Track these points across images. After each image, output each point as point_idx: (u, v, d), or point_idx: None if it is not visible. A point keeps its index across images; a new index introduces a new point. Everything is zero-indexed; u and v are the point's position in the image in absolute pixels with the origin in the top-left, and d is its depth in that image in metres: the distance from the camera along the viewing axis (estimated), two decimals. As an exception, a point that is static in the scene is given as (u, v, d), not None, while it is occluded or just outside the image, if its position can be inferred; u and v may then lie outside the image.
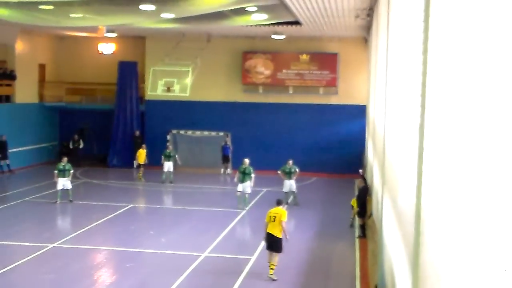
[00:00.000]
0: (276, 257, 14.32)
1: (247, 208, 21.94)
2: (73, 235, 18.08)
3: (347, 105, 31.44)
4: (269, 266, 14.34)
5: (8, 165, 30.34)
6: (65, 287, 13.49)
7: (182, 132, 32.35)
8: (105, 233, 18.99)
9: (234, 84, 32.40)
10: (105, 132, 33.91)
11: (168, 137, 32.17)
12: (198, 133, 32.12)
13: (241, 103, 32.36)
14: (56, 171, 22.99)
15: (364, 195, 18.54)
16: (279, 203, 15.15)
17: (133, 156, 32.46)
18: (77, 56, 35.38)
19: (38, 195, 24.20)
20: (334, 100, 31.74)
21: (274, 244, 14.25)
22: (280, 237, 14.25)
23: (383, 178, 12.46)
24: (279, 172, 23.70)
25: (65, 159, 23.64)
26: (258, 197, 24.92)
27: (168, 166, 28.06)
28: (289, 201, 23.05)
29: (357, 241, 18.04)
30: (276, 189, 23.16)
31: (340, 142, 31.31)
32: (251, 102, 32.30)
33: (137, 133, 33.05)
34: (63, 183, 22.80)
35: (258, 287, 13.96)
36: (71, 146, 33.38)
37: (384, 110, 13.32)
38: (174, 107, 32.62)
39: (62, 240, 17.40)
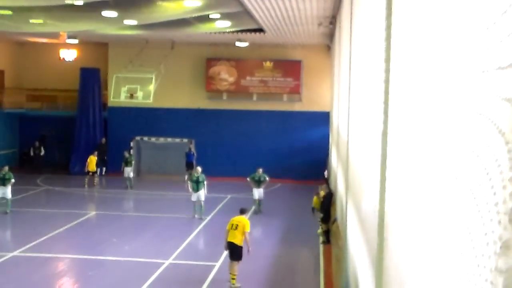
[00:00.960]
0: (236, 266, 14.23)
1: (203, 217, 21.67)
2: (33, 243, 17.74)
3: (311, 111, 31.67)
4: (231, 275, 14.22)
5: None
6: (26, 297, 13.21)
7: (145, 138, 32.11)
8: (67, 241, 18.69)
9: (198, 90, 32.33)
10: (67, 139, 33.45)
11: (132, 143, 31.89)
12: (162, 139, 31.93)
13: (205, 110, 32.32)
14: None
15: (329, 202, 18.65)
16: (242, 211, 15.06)
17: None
18: (38, 62, 34.85)
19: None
20: (298, 107, 31.95)
21: (235, 253, 14.19)
22: (241, 245, 14.19)
23: (347, 184, 12.59)
24: (248, 179, 23.66)
25: (6, 168, 22.75)
26: (222, 204, 24.89)
27: (127, 172, 27.96)
28: (259, 207, 23.22)
29: (321, 247, 18.14)
30: (241, 195, 23.16)
31: (305, 148, 31.51)
32: (215, 109, 32.28)
33: (103, 140, 32.68)
34: (2, 191, 21.98)
35: (222, 294, 13.91)
36: (32, 153, 32.92)
37: (347, 116, 13.47)
38: (138, 114, 32.38)
39: (22, 249, 17.06)
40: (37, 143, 32.90)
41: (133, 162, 28.87)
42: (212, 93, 32.31)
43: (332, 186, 22.55)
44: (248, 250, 14.17)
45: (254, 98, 32.05)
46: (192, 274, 15.31)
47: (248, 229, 14.31)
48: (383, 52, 5.77)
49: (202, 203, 21.88)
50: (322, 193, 20.03)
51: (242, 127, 32.20)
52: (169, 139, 31.88)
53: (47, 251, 17.10)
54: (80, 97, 33.01)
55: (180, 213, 22.69)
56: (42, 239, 18.31)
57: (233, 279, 14.21)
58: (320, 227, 19.39)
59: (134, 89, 32.00)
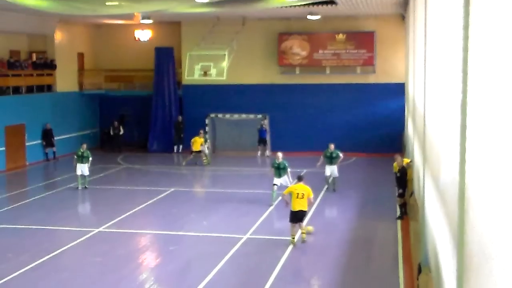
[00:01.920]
0: (301, 225, 15.54)
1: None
2: (117, 219, 18.42)
3: (385, 83, 31.06)
4: (291, 237, 15.37)
5: (54, 152, 31.07)
6: (112, 270, 13.78)
7: (220, 115, 32.47)
8: (148, 217, 19.29)
9: (271, 66, 32.31)
10: (145, 118, 34.29)
11: (207, 121, 32.35)
12: (236, 116, 32.19)
13: (278, 85, 32.28)
14: (75, 157, 23.38)
15: (404, 175, 18.22)
16: (300, 179, 15.83)
17: (173, 141, 32.93)
18: (114, 43, 35.75)
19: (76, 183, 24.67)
20: (372, 79, 31.41)
21: (303, 217, 15.47)
22: (307, 210, 15.61)
23: (424, 156, 12.32)
24: (322, 156, 23.03)
25: (84, 145, 23.83)
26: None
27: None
28: (330, 184, 22.40)
29: (398, 220, 17.90)
30: (316, 170, 23.05)
31: (379, 121, 31.02)
32: (288, 84, 32.19)
33: (179, 118, 33.32)
34: (81, 169, 23.12)
35: (303, 265, 14.02)
36: (111, 133, 33.93)
37: (423, 87, 13.13)
38: (212, 91, 32.74)
39: (107, 225, 17.75)
40: (116, 123, 33.90)
41: (208, 139, 29.17)
42: (285, 68, 32.21)
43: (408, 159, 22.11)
44: (311, 204, 15.88)
45: (327, 71, 31.74)
46: (270, 249, 15.47)
47: (311, 195, 15.61)
48: (461, 19, 5.57)
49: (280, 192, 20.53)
50: (398, 163, 18.95)
51: (315, 101, 31.98)
52: (243, 115, 32.11)
53: (130, 227, 17.72)
54: (156, 76, 33.69)
55: (255, 188, 22.92)
56: (125, 215, 18.97)
57: (304, 234, 15.62)
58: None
59: (207, 66, 32.28)
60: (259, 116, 31.96)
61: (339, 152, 22.30)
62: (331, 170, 22.26)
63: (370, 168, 27.56)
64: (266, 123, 31.52)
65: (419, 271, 11.13)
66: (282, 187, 19.26)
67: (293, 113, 32.19)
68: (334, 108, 31.76)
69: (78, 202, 21.78)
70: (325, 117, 31.80)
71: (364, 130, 31.11)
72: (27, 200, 21.78)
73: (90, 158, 23.38)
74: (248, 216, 18.68)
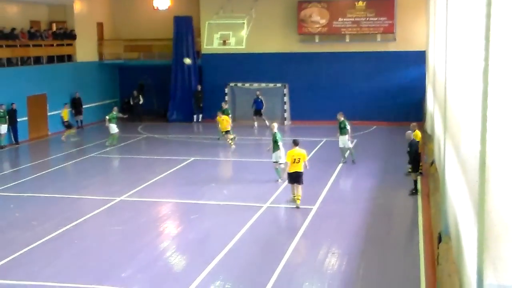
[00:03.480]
0: (300, 188, 16.09)
1: (280, 179, 19.21)
2: (138, 188, 18.60)
3: (406, 51, 30.67)
4: (295, 197, 16.06)
5: (81, 121, 31.44)
6: (133, 238, 13.97)
7: (239, 84, 32.41)
8: (168, 186, 19.45)
9: (290, 34, 32.05)
10: (164, 88, 34.35)
11: (226, 90, 32.33)
12: (255, 85, 32.10)
13: (298, 54, 32.06)
14: (107, 118, 25.95)
15: (416, 149, 17.60)
16: (296, 143, 16.27)
17: (192, 110, 33.02)
18: (133, 13, 35.67)
19: (103, 150, 24.91)
20: (392, 47, 31.03)
21: (299, 178, 16.05)
22: (302, 171, 16.09)
23: (445, 125, 12.22)
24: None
25: (115, 108, 27.45)
26: (317, 147, 24.93)
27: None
28: (346, 156, 21.68)
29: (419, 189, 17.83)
30: (336, 138, 22.96)
31: (399, 89, 30.74)
32: (307, 52, 31.95)
33: (199, 87, 33.31)
34: (114, 128, 25.88)
35: (322, 234, 14.09)
36: (131, 102, 34.10)
37: (445, 55, 12.95)
38: (231, 60, 32.62)
39: (128, 194, 17.95)
40: (135, 92, 34.03)
41: (229, 112, 28.72)
42: (304, 36, 31.94)
43: (428, 127, 21.96)
44: (307, 168, 16.26)
45: (347, 39, 31.41)
46: (289, 218, 15.57)
47: (306, 158, 16.31)
48: (485, -15, 5.45)
49: (279, 166, 18.86)
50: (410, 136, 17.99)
51: (335, 69, 31.74)
52: (263, 84, 32.01)
53: (151, 196, 17.90)
54: (175, 45, 33.62)
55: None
56: (146, 184, 19.15)
57: (298, 199, 16.04)
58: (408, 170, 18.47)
59: (226, 35, 32.11)
60: (279, 85, 31.86)
61: (346, 123, 21.30)
62: (342, 141, 21.47)
63: (390, 137, 27.43)
64: (260, 94, 31.11)
65: (439, 240, 11.13)
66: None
67: (312, 82, 32.00)
68: (354, 76, 31.50)
69: (100, 171, 22.01)
70: (344, 86, 31.58)
71: (384, 99, 30.87)
72: (50, 169, 22.07)
73: (115, 120, 26.21)
74: (267, 185, 18.74)
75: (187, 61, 30.52)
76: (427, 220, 14.76)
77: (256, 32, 31.84)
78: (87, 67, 33.26)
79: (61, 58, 31.62)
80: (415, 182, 17.59)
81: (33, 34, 29.71)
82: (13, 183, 19.70)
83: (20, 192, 18.46)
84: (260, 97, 31.13)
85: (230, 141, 25.22)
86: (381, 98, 30.93)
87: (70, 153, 25.10)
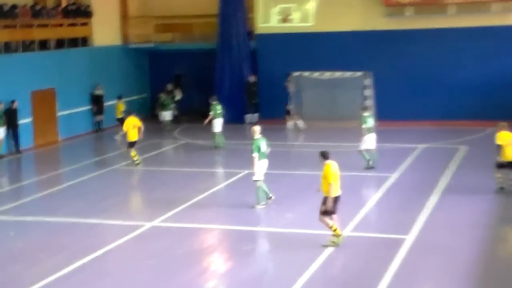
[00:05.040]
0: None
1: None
2: (175, 210, 18.64)
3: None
4: (335, 232, 15.24)
5: (99, 123, 32.29)
6: (169, 276, 13.96)
7: (306, 74, 32.26)
8: (214, 208, 19.43)
9: (373, 6, 31.85)
10: (207, 79, 34.50)
11: (289, 81, 32.25)
12: (327, 74, 31.90)
13: (383, 32, 31.80)
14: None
15: None
16: (326, 156, 15.86)
17: (243, 108, 33.03)
18: (166, -18, 36.02)
19: (130, 161, 25.15)
20: (514, 20, 30.43)
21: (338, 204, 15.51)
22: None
23: None
24: None
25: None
26: (411, 157, 24.59)
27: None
28: (369, 162, 22.79)
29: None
30: (436, 144, 22.59)
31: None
32: (396, 30, 31.69)
33: (252, 78, 33.33)
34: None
35: (420, 274, 13.80)
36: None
37: None
38: (295, 42, 32.59)
39: (162, 218, 18.00)
40: (170, 86, 34.25)
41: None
42: (392, 9, 31.68)
43: None
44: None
45: (451, 11, 30.94)
46: (375, 252, 15.30)
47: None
48: None
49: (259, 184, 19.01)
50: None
51: (434, 53, 31.36)
52: (338, 73, 31.78)
53: (191, 220, 17.90)
54: (221, 24, 33.78)
55: (357, 171, 22.73)
56: (185, 205, 19.17)
57: (338, 235, 15.32)
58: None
59: (288, 9, 32.14)
60: (358, 74, 31.58)
61: (371, 118, 23.25)
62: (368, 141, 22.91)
63: None
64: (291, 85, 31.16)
65: None
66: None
67: (403, 69, 31.68)
68: (461, 61, 31.04)
69: (125, 188, 22.22)
70: (448, 74, 31.14)
71: (503, 91, 30.21)
72: (62, 186, 22.39)
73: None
74: (346, 206, 18.49)
75: None
76: None
77: (327, 4, 31.71)
78: (107, 53, 33.76)
79: (73, 42, 32.17)
80: None
81: (38, 12, 30.23)
82: (14, 204, 20.07)
83: (23, 216, 18.75)
84: (289, 88, 31.25)
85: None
86: (499, 90, 30.26)
87: (87, 164, 25.43)
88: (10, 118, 27.04)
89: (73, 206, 19.65)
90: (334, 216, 15.41)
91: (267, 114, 31.50)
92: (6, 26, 28.32)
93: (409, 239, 15.76)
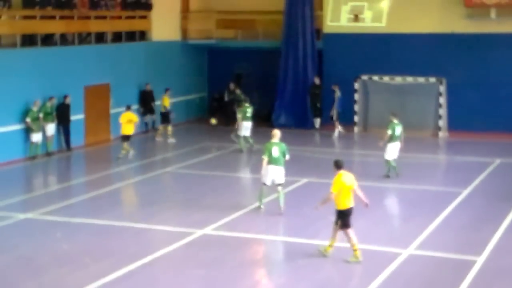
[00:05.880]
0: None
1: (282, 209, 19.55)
2: (228, 218, 18.77)
3: None
4: (355, 249, 15.31)
5: (153, 122, 32.39)
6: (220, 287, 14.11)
7: (375, 78, 32.13)
8: (270, 217, 19.44)
9: (452, 7, 31.54)
10: (269, 80, 34.56)
11: (356, 85, 32.12)
12: (399, 79, 31.70)
13: (463, 35, 31.47)
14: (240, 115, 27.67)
15: None
16: (340, 165, 15.78)
17: (307, 112, 32.97)
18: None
19: (184, 164, 25.38)
20: None
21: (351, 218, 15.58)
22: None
23: None
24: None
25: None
26: (488, 171, 24.20)
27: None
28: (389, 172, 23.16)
29: None
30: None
31: None
32: (478, 34, 31.36)
33: (317, 80, 33.28)
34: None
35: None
36: (226, 99, 34.31)
37: None
38: (365, 43, 32.49)
39: (215, 225, 18.14)
40: (231, 86, 34.26)
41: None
42: (474, 10, 31.31)
43: None
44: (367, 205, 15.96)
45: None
46: (441, 273, 15.16)
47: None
48: None
49: (279, 188, 19.58)
50: None
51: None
52: (410, 79, 31.56)
53: (245, 229, 17.99)
54: (286, 21, 33.82)
55: (426, 184, 22.56)
56: (239, 213, 19.30)
57: (357, 251, 15.34)
58: None
59: (359, 7, 32.05)
60: (432, 80, 31.37)
61: (397, 127, 23.57)
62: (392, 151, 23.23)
63: None
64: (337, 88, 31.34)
65: None
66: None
67: (481, 76, 31.33)
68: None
69: (176, 192, 22.41)
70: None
71: None
72: (111, 187, 22.73)
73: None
74: (411, 222, 18.42)
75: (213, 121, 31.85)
76: None
77: (402, 3, 31.52)
78: (165, 48, 34.09)
79: (131, 36, 32.60)
80: None
81: (96, 3, 30.62)
82: (61, 205, 20.45)
83: (70, 217, 19.08)
84: (337, 92, 31.34)
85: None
86: None
87: (138, 166, 25.75)
88: (62, 114, 27.35)
89: (122, 209, 19.98)
90: (349, 230, 15.52)
91: (330, 119, 31.47)
92: (63, 17, 28.66)
93: (480, 261, 15.56)
